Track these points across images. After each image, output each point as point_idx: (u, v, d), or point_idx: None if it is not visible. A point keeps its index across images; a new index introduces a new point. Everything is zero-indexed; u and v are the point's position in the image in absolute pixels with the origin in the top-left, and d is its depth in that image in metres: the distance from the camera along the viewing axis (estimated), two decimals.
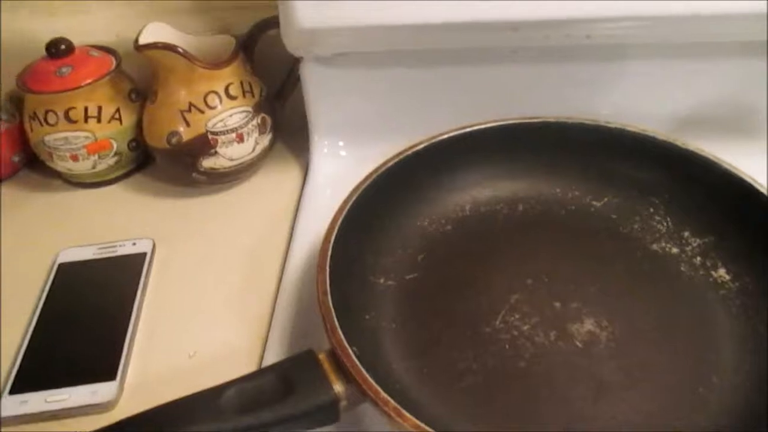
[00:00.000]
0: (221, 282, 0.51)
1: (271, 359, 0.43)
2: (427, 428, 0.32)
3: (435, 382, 0.40)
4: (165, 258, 0.54)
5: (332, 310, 0.38)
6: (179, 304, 0.50)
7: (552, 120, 0.51)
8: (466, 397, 0.39)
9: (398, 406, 0.33)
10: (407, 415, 0.33)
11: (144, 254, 0.52)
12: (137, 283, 0.50)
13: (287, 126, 0.63)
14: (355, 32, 0.51)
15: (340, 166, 0.59)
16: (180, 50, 0.52)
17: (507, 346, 0.41)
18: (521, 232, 0.50)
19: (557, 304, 0.43)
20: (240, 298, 0.50)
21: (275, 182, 0.61)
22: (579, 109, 0.53)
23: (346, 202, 0.45)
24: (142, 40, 0.53)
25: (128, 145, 0.60)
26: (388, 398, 0.33)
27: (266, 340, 0.46)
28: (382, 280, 0.46)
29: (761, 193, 0.43)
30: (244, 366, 0.44)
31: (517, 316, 0.43)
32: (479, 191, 0.52)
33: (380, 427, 0.39)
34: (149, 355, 0.46)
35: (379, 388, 0.34)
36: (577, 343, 0.41)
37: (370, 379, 0.34)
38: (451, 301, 0.44)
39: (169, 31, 0.56)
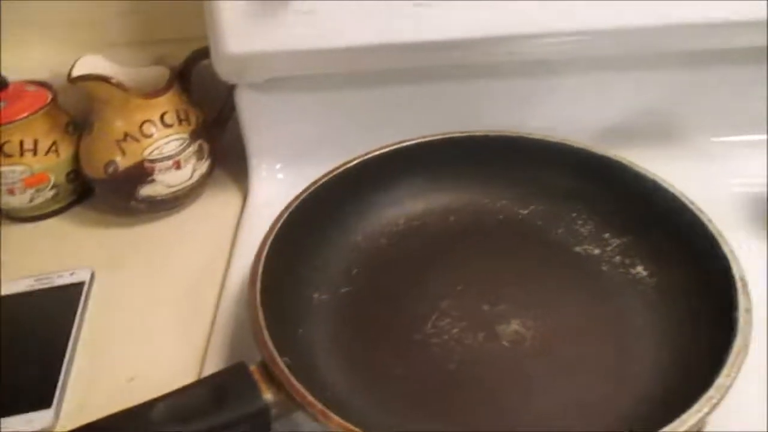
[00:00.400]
0: (161, 307, 0.52)
1: None
2: (351, 427, 0.33)
3: (368, 389, 0.41)
4: (105, 287, 0.54)
5: (262, 321, 0.39)
6: (118, 330, 0.50)
7: (478, 134, 0.53)
8: (399, 402, 0.40)
9: (324, 408, 0.34)
10: (332, 415, 0.34)
11: (82, 283, 0.52)
12: (75, 312, 0.50)
13: (228, 152, 0.64)
14: (284, 57, 0.52)
15: (279, 189, 0.60)
16: (113, 81, 0.54)
17: (437, 350, 0.43)
18: (453, 242, 0.51)
19: (485, 307, 0.45)
20: (179, 321, 0.50)
21: (216, 208, 0.62)
22: (510, 123, 0.55)
23: (277, 220, 0.47)
24: (75, 73, 0.54)
25: (66, 178, 0.60)
26: (315, 401, 0.34)
27: (204, 360, 0.46)
28: (316, 295, 0.47)
29: (670, 192, 0.46)
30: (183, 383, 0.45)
31: (447, 321, 0.44)
32: (412, 205, 0.53)
33: None
34: (87, 381, 0.46)
35: (306, 392, 0.35)
36: (504, 343, 0.43)
37: (297, 384, 0.35)
38: (384, 312, 0.46)
39: (103, 64, 0.57)
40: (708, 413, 0.32)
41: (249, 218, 0.58)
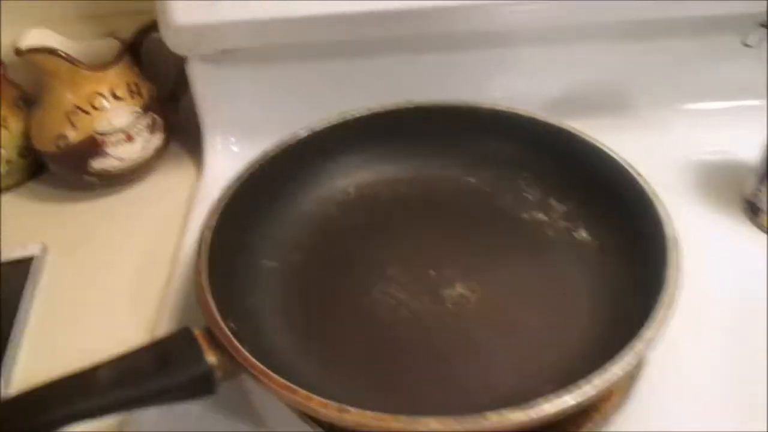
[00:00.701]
0: (114, 282, 0.52)
1: None
2: (291, 386, 0.34)
3: (315, 353, 0.42)
4: (57, 261, 0.54)
5: (206, 286, 0.39)
6: (70, 303, 0.50)
7: (427, 104, 0.54)
8: (345, 365, 0.41)
9: (266, 369, 0.35)
10: (273, 376, 0.34)
11: (33, 258, 0.52)
12: (24, 286, 0.50)
13: (184, 126, 0.64)
14: (232, 28, 0.52)
15: (234, 162, 0.59)
16: (61, 53, 0.53)
17: (384, 314, 0.43)
18: (403, 210, 0.52)
19: (432, 272, 0.46)
20: (131, 294, 0.51)
21: (171, 182, 0.62)
22: (463, 95, 0.55)
23: (226, 190, 0.47)
24: (23, 45, 0.53)
25: (18, 153, 0.60)
26: (256, 362, 0.35)
27: (154, 331, 0.46)
28: (266, 263, 0.47)
29: (611, 158, 0.47)
30: None
31: (394, 286, 0.45)
32: (362, 175, 0.54)
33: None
34: (36, 357, 0.46)
35: (248, 355, 0.35)
36: (449, 306, 0.44)
37: (239, 346, 0.36)
38: (333, 278, 0.46)
39: (52, 37, 0.56)
40: (634, 363, 0.34)
41: (204, 192, 0.59)
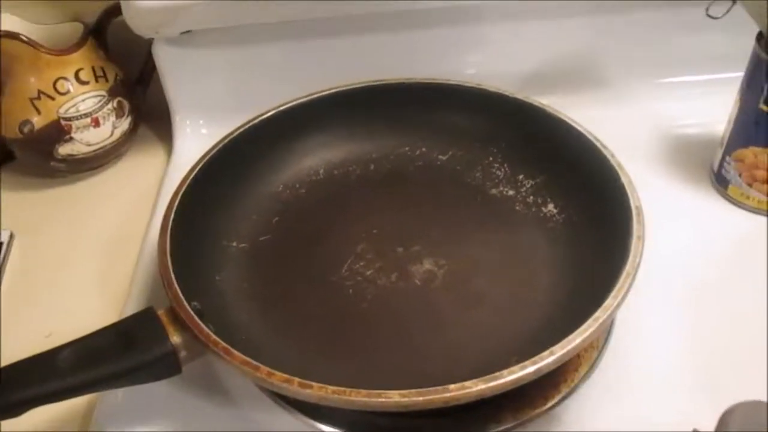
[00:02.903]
0: (81, 266, 0.52)
1: None
2: (253, 362, 0.34)
3: (281, 330, 0.42)
4: (25, 247, 0.53)
5: (169, 266, 0.39)
6: (37, 288, 0.50)
7: (394, 81, 0.54)
8: (309, 340, 0.41)
9: (228, 346, 0.35)
10: (236, 352, 0.34)
11: (0, 244, 0.52)
12: None
13: (154, 110, 0.63)
14: (193, 9, 0.52)
15: (203, 145, 0.59)
16: (23, 37, 0.52)
17: (351, 291, 0.43)
18: (373, 189, 0.52)
19: (400, 249, 0.46)
20: (99, 279, 0.50)
21: (140, 166, 0.61)
22: (431, 73, 0.55)
23: (191, 170, 0.47)
24: None
25: None
26: (218, 339, 0.35)
27: (122, 315, 0.46)
28: (234, 243, 0.47)
29: (580, 133, 0.47)
30: None
31: (362, 264, 0.45)
32: (332, 154, 0.54)
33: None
34: (5, 342, 0.46)
35: (210, 332, 0.35)
36: (417, 282, 0.44)
37: (202, 325, 0.36)
38: (301, 257, 0.46)
39: (14, 21, 0.56)
40: (595, 332, 0.34)
41: (173, 175, 0.58)
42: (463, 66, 0.62)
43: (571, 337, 0.33)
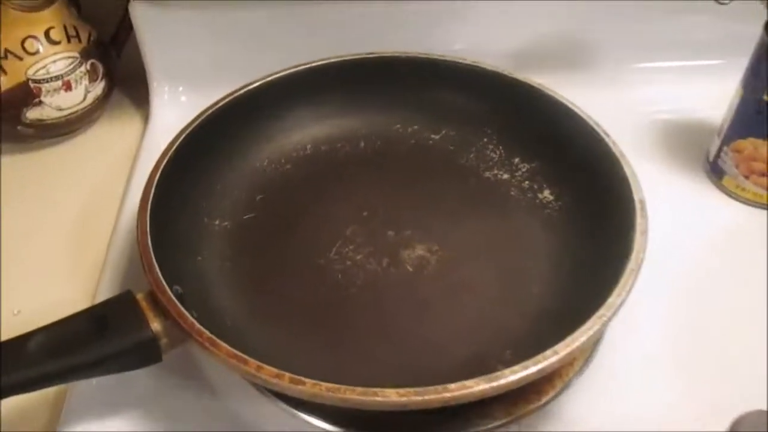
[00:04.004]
0: (51, 238, 0.49)
1: None
2: (242, 355, 0.32)
3: (266, 315, 0.40)
4: None
5: (150, 248, 0.37)
6: (5, 266, 0.47)
7: (387, 55, 0.51)
8: (296, 326, 0.39)
9: (214, 337, 0.33)
10: (222, 344, 0.32)
11: None
12: None
13: (129, 74, 0.60)
14: None
15: (182, 113, 0.56)
16: None
17: (339, 276, 0.42)
18: (362, 167, 0.50)
19: (391, 233, 0.44)
20: (71, 253, 0.48)
21: (114, 133, 0.58)
22: (422, 47, 0.53)
23: (171, 144, 0.44)
24: None
25: None
26: (203, 329, 0.33)
27: (96, 293, 0.44)
28: (217, 222, 0.45)
29: (577, 115, 0.45)
30: None
31: (351, 247, 0.43)
32: (319, 129, 0.51)
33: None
34: None
35: (194, 321, 0.33)
36: (408, 267, 0.42)
37: (185, 313, 0.34)
38: (287, 238, 0.44)
39: None
40: (599, 330, 0.33)
41: (150, 144, 0.55)
42: (450, 40, 0.59)
43: (575, 335, 0.32)
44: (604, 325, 0.33)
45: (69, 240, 0.49)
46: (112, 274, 0.45)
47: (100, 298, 0.43)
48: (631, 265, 0.35)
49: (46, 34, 0.52)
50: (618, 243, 0.37)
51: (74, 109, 0.54)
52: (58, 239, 0.49)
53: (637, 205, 0.39)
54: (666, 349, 0.40)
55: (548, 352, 0.32)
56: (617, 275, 0.35)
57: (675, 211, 0.48)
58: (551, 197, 0.46)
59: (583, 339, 0.32)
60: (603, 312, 0.33)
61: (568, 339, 0.32)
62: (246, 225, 0.45)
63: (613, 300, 0.34)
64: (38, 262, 0.47)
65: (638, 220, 0.38)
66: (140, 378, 0.36)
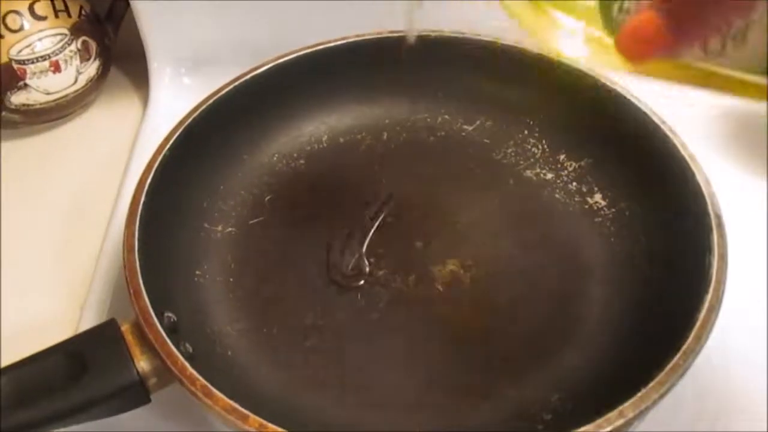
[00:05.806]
0: (38, 240, 0.44)
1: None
2: (240, 409, 0.27)
3: (274, 343, 0.35)
4: None
5: (138, 270, 0.31)
6: None
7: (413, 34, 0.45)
8: (310, 359, 0.34)
9: (207, 384, 0.27)
10: (218, 394, 0.27)
11: None
12: None
13: (127, 53, 0.54)
14: None
15: (184, 97, 0.50)
16: None
17: (359, 296, 0.36)
18: (385, 164, 0.44)
19: (419, 244, 0.38)
20: (59, 258, 0.43)
21: (110, 119, 0.53)
22: (450, 24, 0.46)
23: (168, 137, 0.38)
24: None
25: None
26: (196, 375, 0.28)
27: (84, 307, 0.39)
28: (219, 228, 0.40)
29: (639, 109, 0.39)
30: (56, 340, 0.37)
31: (372, 260, 0.38)
32: (337, 119, 0.45)
33: None
34: None
35: (186, 364, 0.28)
36: (438, 287, 0.36)
37: (176, 353, 0.28)
38: (299, 249, 0.39)
39: None
40: (673, 385, 0.27)
41: (148, 131, 0.50)
42: (489, 15, 0.52)
43: (646, 392, 0.26)
44: (680, 376, 0.27)
45: (56, 243, 0.44)
46: (104, 285, 0.40)
47: (88, 310, 0.39)
48: (710, 299, 0.29)
49: (30, 8, 0.46)
50: (691, 268, 0.31)
51: (64, 93, 0.49)
52: (44, 241, 0.44)
53: (714, 221, 0.32)
54: (750, 387, 0.34)
55: (613, 415, 0.26)
56: (694, 313, 0.29)
57: (752, 221, 0.42)
58: (603, 203, 0.40)
59: (654, 397, 0.26)
60: (679, 361, 0.27)
61: (637, 398, 0.26)
62: (252, 232, 0.40)
63: (690, 345, 0.28)
64: (22, 268, 0.42)
65: (715, 239, 0.32)
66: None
